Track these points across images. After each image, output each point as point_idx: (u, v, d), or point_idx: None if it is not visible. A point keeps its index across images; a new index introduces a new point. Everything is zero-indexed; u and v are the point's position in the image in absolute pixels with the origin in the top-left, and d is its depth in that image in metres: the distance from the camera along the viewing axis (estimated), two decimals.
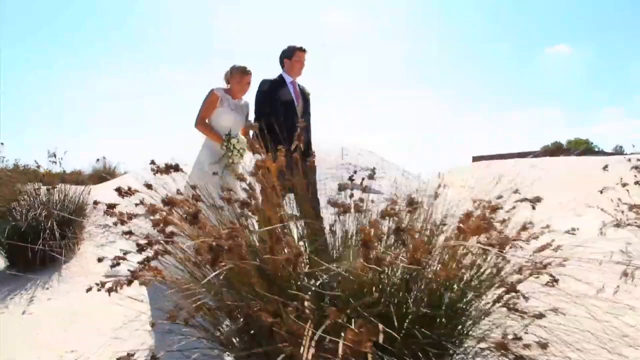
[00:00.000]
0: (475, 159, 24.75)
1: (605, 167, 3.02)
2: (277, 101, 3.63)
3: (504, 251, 1.36)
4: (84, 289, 1.60)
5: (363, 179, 1.98)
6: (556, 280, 1.54)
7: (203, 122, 3.54)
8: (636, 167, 2.89)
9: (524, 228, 1.58)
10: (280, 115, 3.50)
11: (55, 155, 4.23)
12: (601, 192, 3.12)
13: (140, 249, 1.51)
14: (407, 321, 1.30)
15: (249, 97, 3.82)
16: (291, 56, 3.73)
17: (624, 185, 2.92)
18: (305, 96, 3.83)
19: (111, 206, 1.81)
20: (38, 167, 4.27)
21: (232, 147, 3.39)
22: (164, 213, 1.52)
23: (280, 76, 3.76)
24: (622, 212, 3.05)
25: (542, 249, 1.61)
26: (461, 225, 1.28)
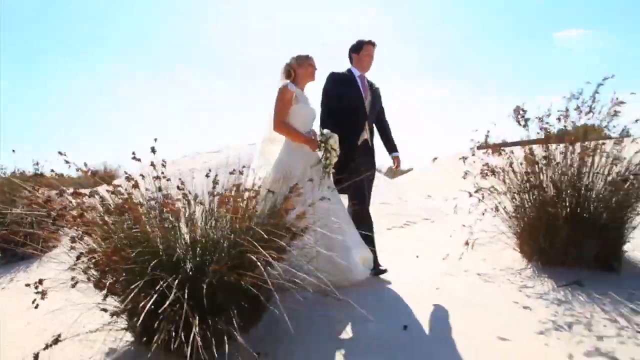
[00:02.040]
0: (480, 147, 25.22)
1: (463, 159, 3.66)
2: (345, 96, 3.46)
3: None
4: (56, 271, 2.39)
5: None
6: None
7: (283, 124, 3.16)
8: (463, 158, 3.51)
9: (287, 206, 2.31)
10: (348, 110, 3.43)
11: (38, 164, 5.13)
12: (464, 177, 3.75)
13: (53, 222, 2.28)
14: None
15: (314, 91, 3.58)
16: (360, 50, 3.53)
17: (466, 173, 3.55)
18: (374, 91, 3.60)
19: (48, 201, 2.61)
20: (22, 173, 5.20)
21: (330, 147, 3.10)
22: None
23: (349, 70, 3.57)
24: (481, 195, 3.68)
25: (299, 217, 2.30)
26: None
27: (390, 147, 3.72)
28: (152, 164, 2.50)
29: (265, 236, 2.00)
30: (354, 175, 3.25)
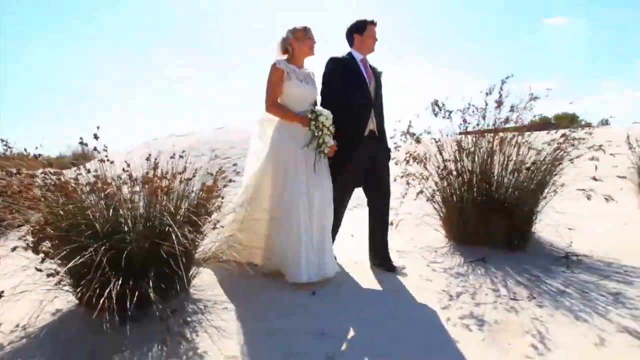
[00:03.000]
0: (462, 134, 25.81)
1: (396, 148, 4.02)
2: (348, 83, 3.24)
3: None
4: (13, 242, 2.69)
5: None
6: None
7: (275, 104, 3.03)
8: (396, 147, 3.87)
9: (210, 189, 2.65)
10: (352, 98, 3.22)
11: (8, 145, 5.36)
12: (395, 164, 4.12)
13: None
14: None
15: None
16: (363, 31, 3.28)
17: (397, 162, 3.92)
18: (376, 76, 3.39)
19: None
20: None
21: (322, 125, 2.95)
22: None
23: (350, 54, 3.33)
24: (407, 180, 4.05)
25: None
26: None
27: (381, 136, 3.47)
28: (95, 149, 2.82)
29: (173, 211, 2.38)
30: (347, 170, 3.26)
